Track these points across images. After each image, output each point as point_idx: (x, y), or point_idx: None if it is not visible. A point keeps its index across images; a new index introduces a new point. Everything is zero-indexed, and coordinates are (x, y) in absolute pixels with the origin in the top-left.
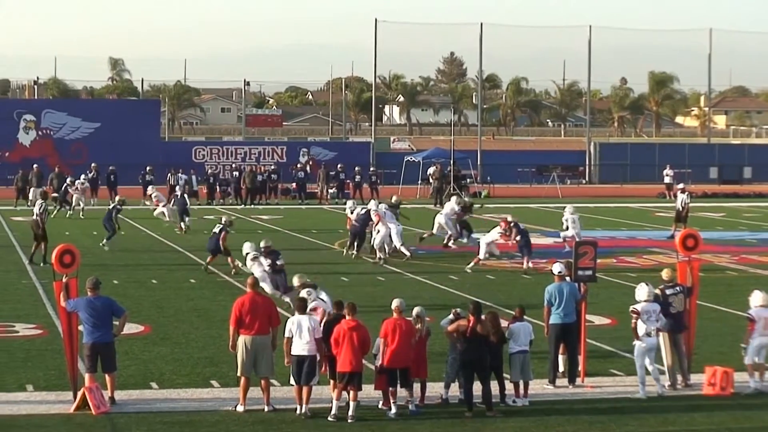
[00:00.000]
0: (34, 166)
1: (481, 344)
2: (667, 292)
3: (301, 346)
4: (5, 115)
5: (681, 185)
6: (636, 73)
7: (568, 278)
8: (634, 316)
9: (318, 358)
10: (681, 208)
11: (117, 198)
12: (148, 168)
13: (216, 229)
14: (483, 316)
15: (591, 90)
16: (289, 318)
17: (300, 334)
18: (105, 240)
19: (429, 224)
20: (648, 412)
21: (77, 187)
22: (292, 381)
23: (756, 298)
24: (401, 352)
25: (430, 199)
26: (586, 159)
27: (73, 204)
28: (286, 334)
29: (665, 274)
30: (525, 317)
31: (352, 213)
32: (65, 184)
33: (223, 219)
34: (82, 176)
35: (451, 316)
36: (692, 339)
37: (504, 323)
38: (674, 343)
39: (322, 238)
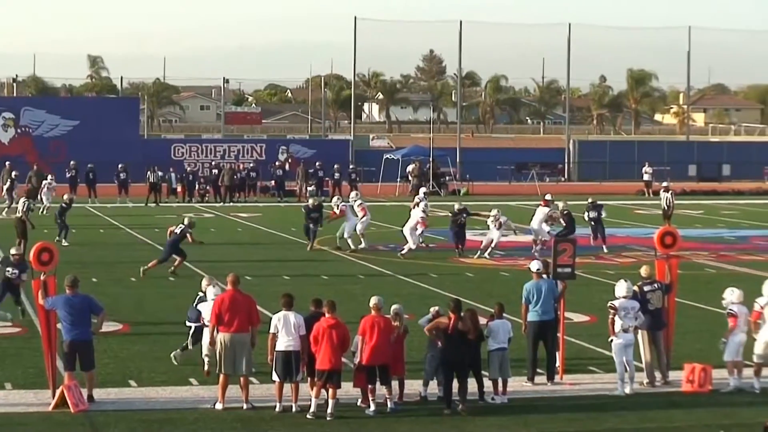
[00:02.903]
0: (7, 163)
1: (461, 342)
2: (645, 288)
3: (286, 342)
4: None
5: (665, 184)
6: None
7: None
8: (612, 311)
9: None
10: (667, 207)
11: (65, 196)
12: (120, 166)
13: (177, 230)
14: (462, 313)
15: (570, 88)
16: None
17: (286, 330)
18: (61, 237)
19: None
20: (627, 408)
21: (45, 187)
22: (274, 377)
23: (733, 294)
24: (380, 350)
25: (409, 196)
26: (565, 157)
27: (44, 203)
28: (271, 330)
29: (644, 270)
30: (504, 315)
31: (337, 209)
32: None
33: (186, 220)
34: (49, 176)
35: (429, 315)
36: (671, 336)
37: (482, 321)
38: (653, 341)
39: (301, 236)
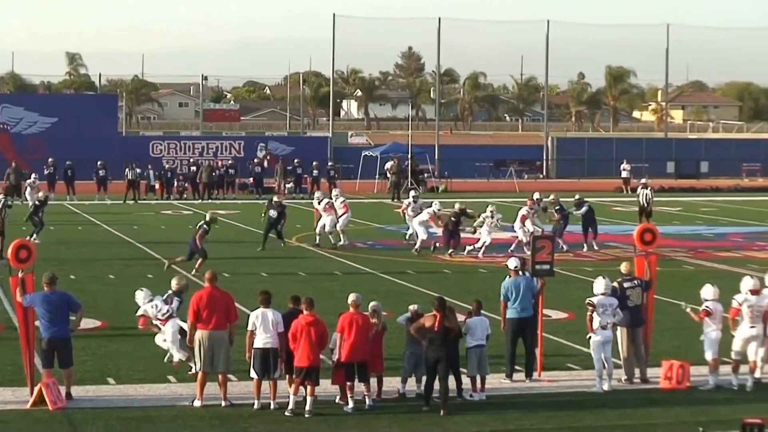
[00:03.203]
0: None
1: (445, 340)
2: (625, 285)
3: (264, 339)
4: None
5: (643, 180)
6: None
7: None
8: (590, 308)
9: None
10: (645, 204)
11: (40, 193)
12: (99, 163)
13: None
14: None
15: (548, 85)
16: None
17: (264, 327)
18: (34, 234)
19: (381, 219)
20: (605, 405)
21: (29, 186)
22: (252, 374)
23: (708, 291)
24: (358, 347)
25: (388, 193)
26: (543, 153)
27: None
28: (249, 327)
29: (623, 267)
30: (482, 312)
31: (319, 204)
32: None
33: (207, 215)
34: (33, 175)
35: (408, 314)
36: (650, 333)
37: (461, 318)
38: (632, 338)
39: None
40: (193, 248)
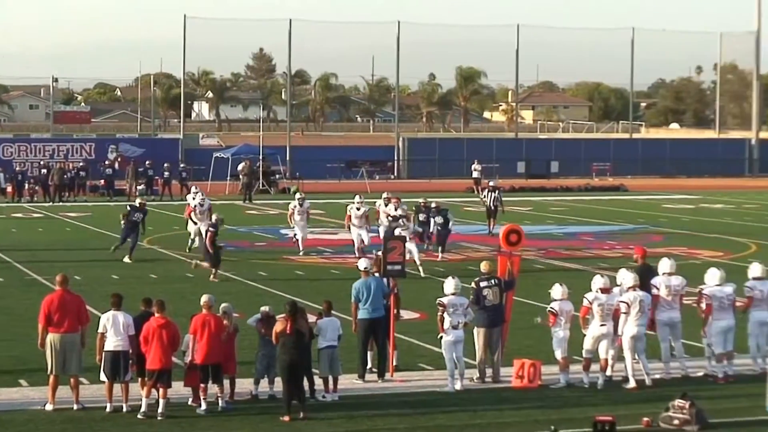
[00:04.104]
0: None
1: (299, 343)
2: (481, 284)
3: (115, 342)
4: None
5: (491, 183)
6: (444, 69)
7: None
8: (440, 308)
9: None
10: (493, 207)
11: None
12: None
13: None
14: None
15: (399, 86)
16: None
17: (115, 330)
18: None
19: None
20: (457, 405)
21: None
22: (102, 377)
23: (556, 291)
24: (212, 348)
25: (240, 195)
26: (394, 154)
27: None
28: (100, 330)
29: (484, 266)
30: (332, 312)
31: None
32: None
33: (213, 217)
34: None
35: (258, 315)
36: (506, 333)
37: (312, 319)
38: (489, 337)
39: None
40: (205, 254)
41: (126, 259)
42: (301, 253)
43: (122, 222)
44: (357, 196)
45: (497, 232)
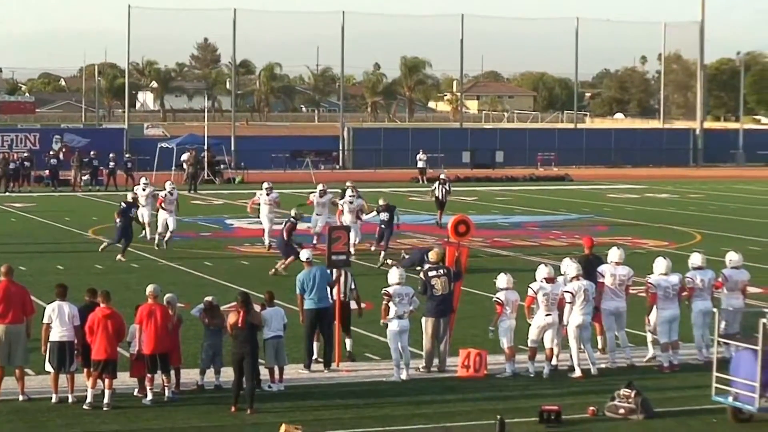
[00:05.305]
0: None
1: (250, 335)
2: (430, 273)
3: (60, 333)
4: None
5: (442, 176)
6: (389, 59)
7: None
8: (386, 298)
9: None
10: (442, 198)
11: None
12: None
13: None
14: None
15: (344, 75)
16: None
17: (60, 320)
18: None
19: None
20: (403, 394)
21: None
22: (48, 368)
23: (502, 280)
24: (159, 338)
25: (185, 185)
26: (339, 144)
27: None
28: (45, 320)
29: (432, 255)
30: (275, 302)
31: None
32: None
33: (293, 211)
34: None
35: (201, 305)
36: (452, 323)
37: (256, 308)
38: (437, 327)
39: (75, 225)
40: (281, 246)
41: (119, 257)
42: (267, 247)
43: (117, 221)
44: (349, 189)
45: (445, 223)
